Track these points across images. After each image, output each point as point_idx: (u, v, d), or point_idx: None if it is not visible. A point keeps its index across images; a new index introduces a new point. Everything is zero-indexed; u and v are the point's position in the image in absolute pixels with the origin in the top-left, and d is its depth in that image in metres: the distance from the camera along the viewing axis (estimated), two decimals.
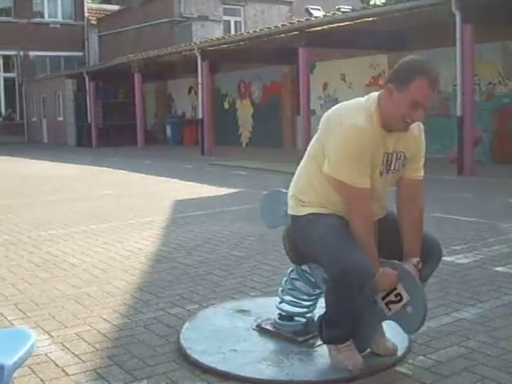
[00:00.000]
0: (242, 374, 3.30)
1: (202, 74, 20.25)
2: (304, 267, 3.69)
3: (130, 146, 25.48)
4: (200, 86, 20.57)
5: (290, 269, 3.82)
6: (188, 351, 3.58)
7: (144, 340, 3.90)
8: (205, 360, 3.46)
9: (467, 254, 5.95)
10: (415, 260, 3.29)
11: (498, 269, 5.38)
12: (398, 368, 3.38)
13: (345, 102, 3.36)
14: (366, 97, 3.30)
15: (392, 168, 3.28)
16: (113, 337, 3.98)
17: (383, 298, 3.32)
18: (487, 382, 3.18)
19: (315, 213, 3.31)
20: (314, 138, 3.39)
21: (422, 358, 3.51)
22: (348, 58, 19.33)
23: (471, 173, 12.77)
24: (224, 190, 11.51)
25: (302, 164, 3.47)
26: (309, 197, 3.35)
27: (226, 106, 25.67)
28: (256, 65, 22.47)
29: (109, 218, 8.64)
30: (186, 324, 4.00)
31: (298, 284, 3.75)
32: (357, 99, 3.34)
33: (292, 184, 3.49)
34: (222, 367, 3.37)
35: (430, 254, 3.38)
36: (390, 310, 3.31)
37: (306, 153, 3.45)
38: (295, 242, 3.50)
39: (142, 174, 15.06)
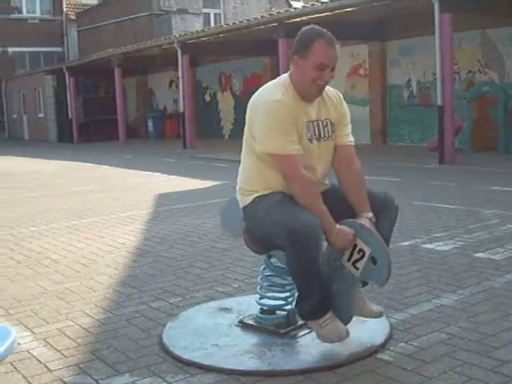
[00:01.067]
0: (225, 366, 3.30)
1: (183, 67, 20.18)
2: (273, 260, 3.72)
3: (112, 141, 25.41)
4: (180, 80, 20.50)
5: (263, 266, 3.84)
6: (170, 348, 3.57)
7: (126, 334, 3.89)
8: (187, 355, 3.45)
9: (448, 241, 5.99)
10: (368, 214, 3.40)
11: (479, 255, 5.41)
12: (379, 355, 3.40)
13: (260, 88, 3.56)
14: (277, 78, 3.56)
15: (322, 135, 3.48)
16: (95, 331, 3.97)
17: (348, 260, 3.37)
18: (468, 366, 3.21)
19: (259, 195, 3.47)
20: (245, 129, 3.55)
21: (403, 344, 3.53)
22: None
23: (452, 161, 12.85)
24: (206, 183, 11.49)
25: (242, 156, 3.63)
26: (252, 185, 3.52)
27: (208, 98, 25.64)
28: (236, 57, 22.46)
29: (90, 214, 8.61)
30: (169, 324, 3.98)
31: (273, 278, 3.78)
32: (269, 82, 3.57)
33: (238, 179, 3.65)
34: (204, 361, 3.37)
35: (385, 209, 3.49)
36: (357, 269, 3.35)
37: (243, 145, 3.60)
38: (251, 232, 3.60)
39: (124, 169, 15.01)
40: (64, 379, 3.27)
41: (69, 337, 3.88)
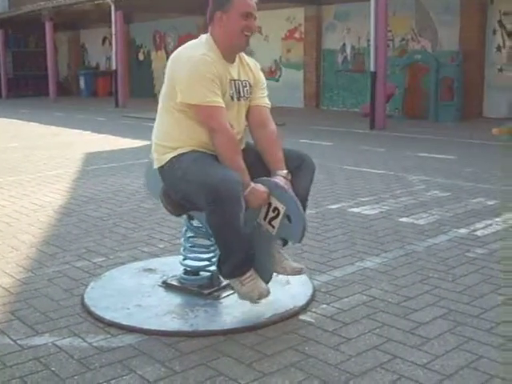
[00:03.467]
0: (146, 326, 3.28)
1: (116, 23, 19.72)
2: (194, 222, 3.72)
3: (42, 98, 24.81)
4: (114, 37, 20.04)
5: (184, 228, 3.81)
6: (92, 308, 3.52)
7: (48, 294, 3.82)
8: (108, 316, 3.41)
9: (374, 205, 6.08)
10: (283, 172, 3.42)
11: (403, 219, 5.52)
12: (301, 316, 3.43)
13: (179, 48, 3.55)
14: (197, 39, 3.56)
15: (242, 95, 3.52)
16: (15, 291, 3.87)
17: (264, 219, 3.39)
18: (386, 328, 3.27)
19: (176, 155, 3.43)
20: (164, 85, 3.52)
21: (325, 306, 3.58)
22: (264, 10, 19.18)
23: (383, 127, 13.02)
24: (137, 142, 11.34)
25: (158, 113, 3.58)
26: (170, 141, 3.47)
27: (141, 57, 25.19)
28: (171, 15, 22.06)
29: (16, 171, 8.38)
30: (91, 284, 3.92)
31: (196, 240, 3.77)
32: (189, 42, 3.57)
33: (153, 136, 3.60)
34: (125, 322, 3.34)
35: (301, 166, 3.53)
36: (273, 227, 3.38)
37: (160, 101, 3.56)
38: (169, 193, 3.58)
39: (53, 127, 14.67)
40: None
41: None
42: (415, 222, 5.45)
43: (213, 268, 3.70)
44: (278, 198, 3.33)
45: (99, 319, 3.41)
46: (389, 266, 4.28)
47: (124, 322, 3.34)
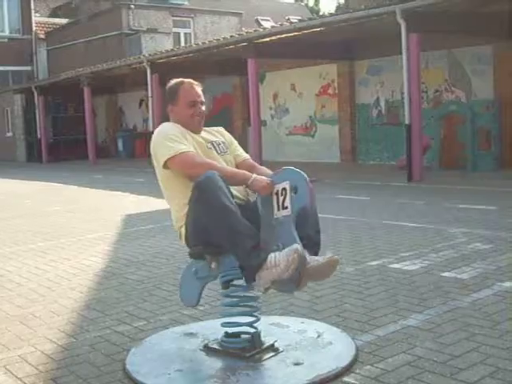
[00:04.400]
0: None
1: (152, 86, 20.13)
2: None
3: (82, 161, 25.27)
4: (150, 99, 20.43)
5: (223, 292, 3.80)
6: (134, 374, 3.49)
7: (89, 359, 3.82)
8: (150, 382, 3.39)
9: (415, 260, 6.00)
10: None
11: (445, 274, 5.42)
12: (345, 378, 3.36)
13: None
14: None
15: (220, 151, 3.91)
16: (57, 358, 3.88)
17: (278, 209, 3.44)
18: None
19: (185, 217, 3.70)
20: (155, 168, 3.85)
21: (369, 367, 3.50)
22: (298, 67, 19.46)
23: (420, 179, 12.94)
24: None
25: (167, 202, 3.88)
26: (181, 220, 3.74)
27: None
28: (206, 76, 22.43)
29: (57, 235, 8.49)
30: (132, 350, 3.90)
31: (235, 300, 3.74)
32: None
33: (173, 224, 3.88)
34: None
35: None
36: (286, 208, 3.41)
37: (163, 191, 3.88)
38: (195, 246, 3.76)
39: (93, 189, 14.89)
40: None
41: (30, 364, 3.79)
42: (458, 276, 5.35)
43: (253, 330, 3.67)
44: (281, 179, 3.48)
45: None
46: (432, 323, 4.19)
47: None
